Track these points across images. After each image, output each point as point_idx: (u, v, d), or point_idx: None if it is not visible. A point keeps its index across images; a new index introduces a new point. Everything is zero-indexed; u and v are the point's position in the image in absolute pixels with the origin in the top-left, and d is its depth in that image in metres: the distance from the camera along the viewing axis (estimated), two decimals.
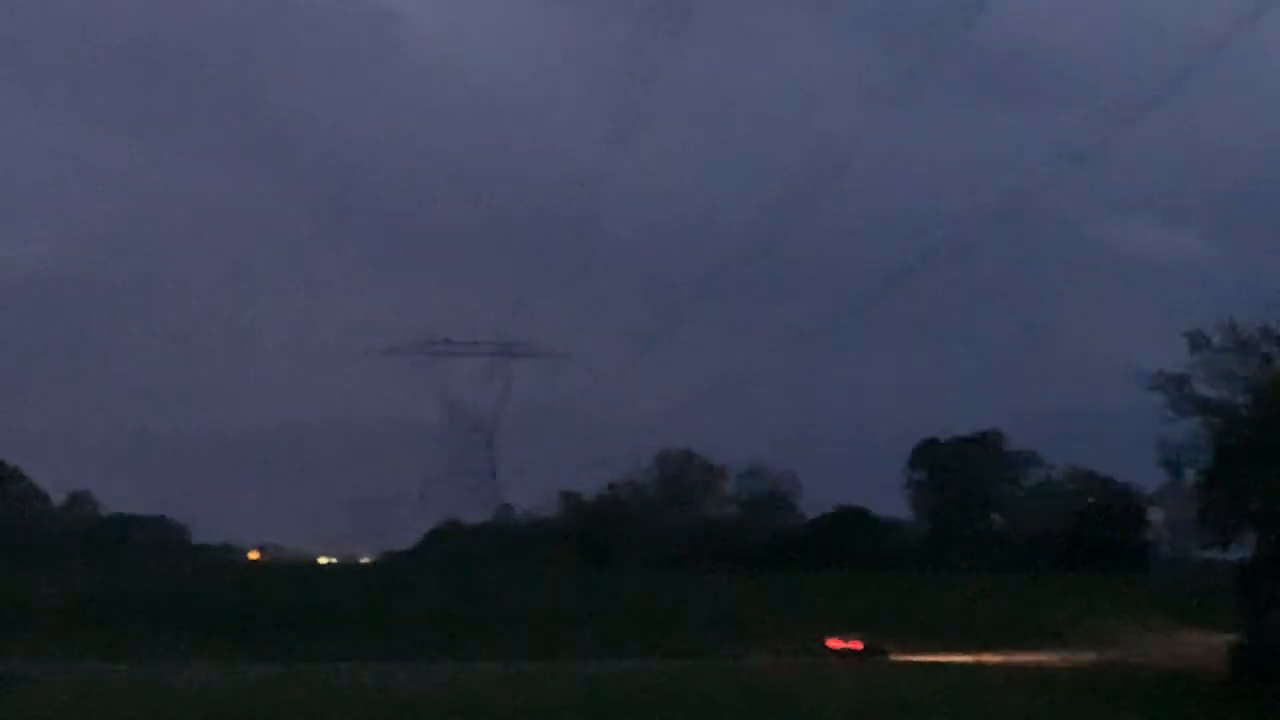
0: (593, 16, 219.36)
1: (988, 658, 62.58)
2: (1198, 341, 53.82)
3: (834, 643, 66.83)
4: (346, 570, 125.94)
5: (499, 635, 68.05)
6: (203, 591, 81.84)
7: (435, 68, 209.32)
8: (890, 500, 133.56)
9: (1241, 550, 54.60)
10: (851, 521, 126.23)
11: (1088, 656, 60.69)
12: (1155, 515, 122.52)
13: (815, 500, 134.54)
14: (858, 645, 66.39)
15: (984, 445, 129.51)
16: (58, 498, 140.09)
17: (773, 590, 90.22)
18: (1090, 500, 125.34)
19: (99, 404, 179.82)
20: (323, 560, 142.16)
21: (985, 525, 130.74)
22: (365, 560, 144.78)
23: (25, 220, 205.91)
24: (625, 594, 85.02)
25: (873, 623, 69.86)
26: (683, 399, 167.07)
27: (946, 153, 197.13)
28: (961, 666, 58.99)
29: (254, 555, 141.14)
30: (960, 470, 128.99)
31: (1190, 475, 60.41)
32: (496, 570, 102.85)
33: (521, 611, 76.31)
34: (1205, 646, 55.63)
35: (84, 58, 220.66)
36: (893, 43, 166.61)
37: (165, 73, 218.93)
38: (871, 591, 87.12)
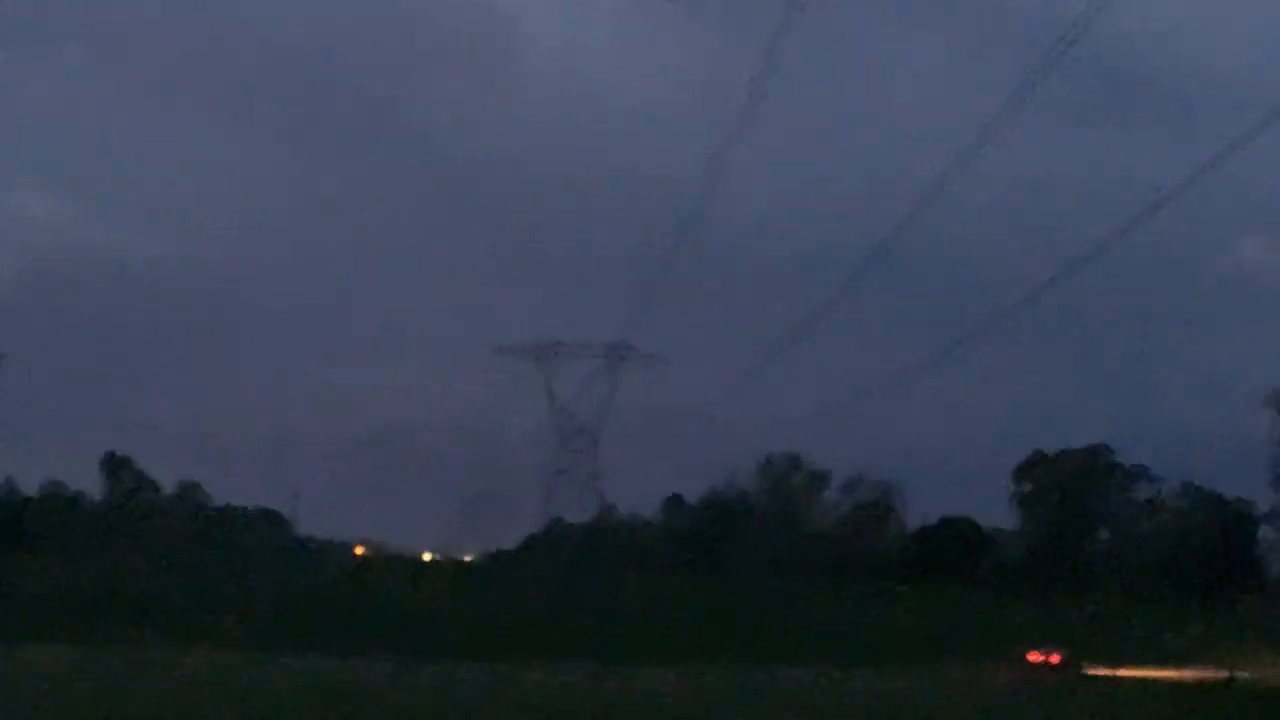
0: (706, 24, 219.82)
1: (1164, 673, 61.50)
2: None
3: (1035, 656, 66.39)
4: (451, 568, 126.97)
5: (622, 639, 68.29)
6: (313, 586, 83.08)
7: (552, 72, 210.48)
8: (995, 512, 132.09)
9: None
10: (958, 533, 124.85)
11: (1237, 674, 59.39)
12: (1267, 533, 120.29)
13: (920, 510, 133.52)
14: (1056, 658, 65.96)
15: (1093, 459, 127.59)
16: (168, 488, 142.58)
17: (886, 603, 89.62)
18: (1200, 517, 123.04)
19: (210, 397, 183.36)
20: (426, 557, 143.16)
21: (1092, 540, 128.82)
22: (468, 558, 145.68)
23: (150, 215, 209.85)
24: (745, 604, 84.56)
25: (1000, 637, 69.22)
26: (790, 405, 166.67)
27: (1063, 171, 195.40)
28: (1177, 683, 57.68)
29: (359, 550, 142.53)
30: (1068, 484, 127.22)
31: None
32: (602, 573, 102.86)
33: (635, 616, 76.45)
34: None
35: (213, 60, 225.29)
36: (1009, 59, 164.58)
37: (290, 75, 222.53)
38: (987, 606, 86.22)
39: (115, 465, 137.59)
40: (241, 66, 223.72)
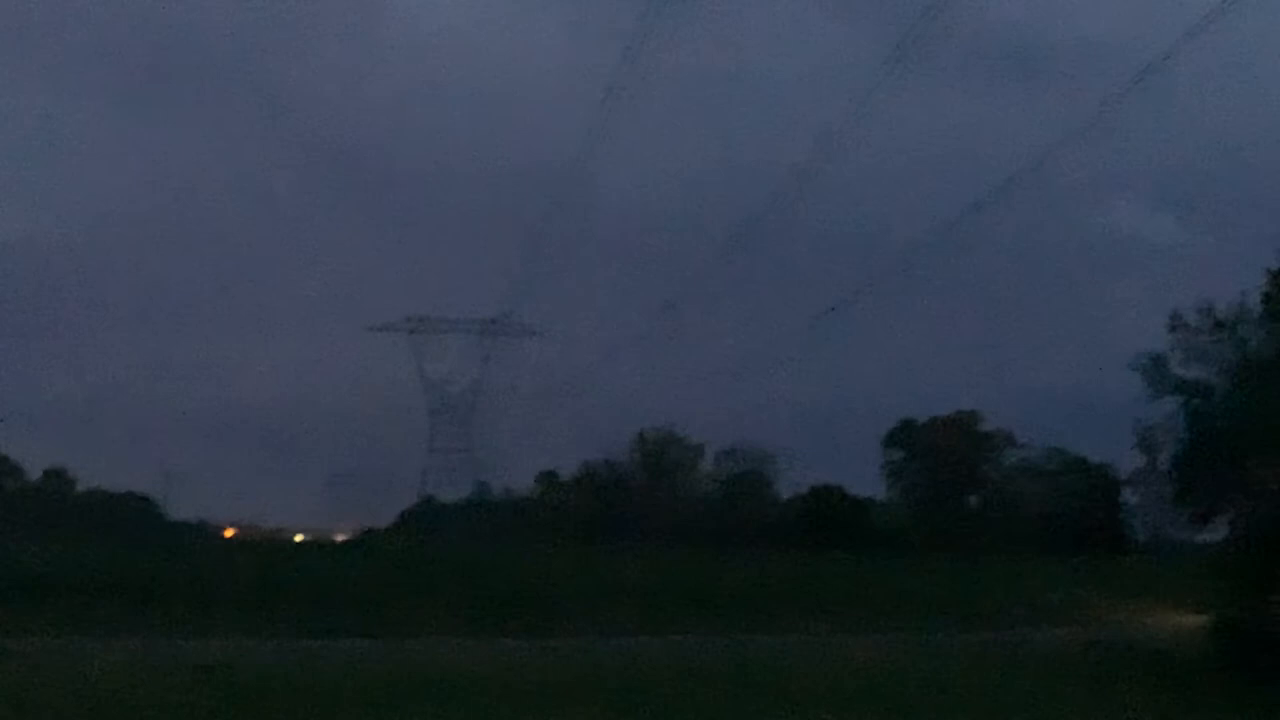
0: None
1: None
2: (1175, 323, 53.78)
3: None
4: (324, 547, 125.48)
5: (501, 611, 67.61)
6: (181, 568, 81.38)
7: (426, 39, 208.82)
8: (866, 481, 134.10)
9: (1216, 532, 54.51)
10: (830, 502, 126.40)
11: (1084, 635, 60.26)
12: (1130, 496, 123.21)
13: (793, 480, 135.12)
14: None
15: (960, 426, 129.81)
16: (33, 473, 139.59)
17: (756, 569, 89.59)
18: (1065, 481, 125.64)
19: (74, 380, 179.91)
20: (299, 538, 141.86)
21: (962, 506, 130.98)
22: (341, 538, 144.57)
23: (4, 193, 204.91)
24: (632, 573, 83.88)
25: (870, 602, 69.19)
26: (665, 379, 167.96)
27: (931, 135, 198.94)
28: None
29: (230, 532, 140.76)
30: (936, 451, 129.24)
31: (1165, 457, 60.57)
32: (485, 547, 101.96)
33: (516, 588, 75.57)
34: (1183, 626, 55.83)
35: (67, 27, 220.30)
36: (885, 22, 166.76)
37: (151, 43, 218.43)
38: (867, 572, 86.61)
39: None
40: (95, 39, 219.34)
